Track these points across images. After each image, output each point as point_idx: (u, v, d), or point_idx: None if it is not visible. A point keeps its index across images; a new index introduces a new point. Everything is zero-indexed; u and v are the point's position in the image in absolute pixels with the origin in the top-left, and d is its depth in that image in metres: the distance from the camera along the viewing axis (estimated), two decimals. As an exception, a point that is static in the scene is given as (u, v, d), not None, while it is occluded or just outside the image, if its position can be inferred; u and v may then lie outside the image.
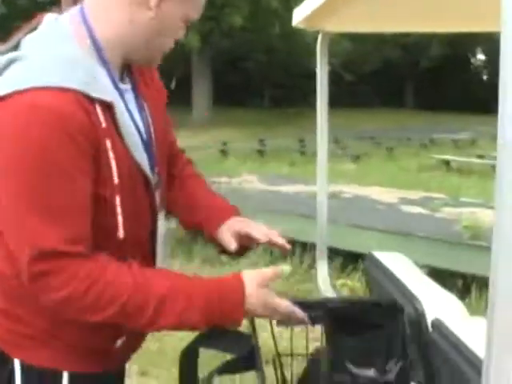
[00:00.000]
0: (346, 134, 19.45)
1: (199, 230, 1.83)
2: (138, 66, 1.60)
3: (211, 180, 8.83)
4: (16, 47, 1.39)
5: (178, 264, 6.18)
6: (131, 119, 1.50)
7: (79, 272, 1.33)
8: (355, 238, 5.49)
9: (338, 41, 27.52)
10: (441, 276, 3.99)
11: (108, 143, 1.37)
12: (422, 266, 2.42)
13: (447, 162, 14.98)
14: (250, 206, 6.37)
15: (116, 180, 1.39)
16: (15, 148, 1.29)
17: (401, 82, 44.88)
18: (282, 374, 1.69)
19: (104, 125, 1.37)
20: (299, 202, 6.63)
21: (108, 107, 1.39)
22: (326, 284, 2.19)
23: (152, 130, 1.58)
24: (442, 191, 9.00)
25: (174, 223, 6.13)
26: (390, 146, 18.02)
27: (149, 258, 1.63)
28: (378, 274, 1.87)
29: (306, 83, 42.72)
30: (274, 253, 5.63)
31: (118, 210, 1.41)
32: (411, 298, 1.57)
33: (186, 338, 4.07)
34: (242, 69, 38.37)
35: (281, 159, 15.32)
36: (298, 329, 1.64)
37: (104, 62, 1.45)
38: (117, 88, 1.48)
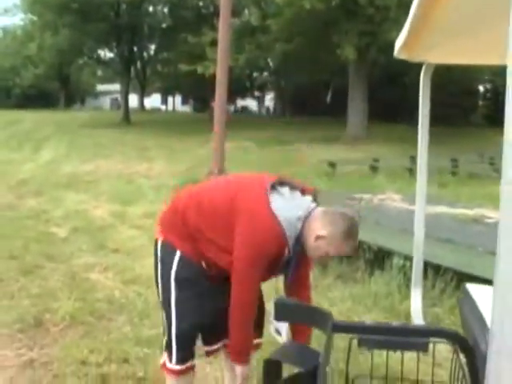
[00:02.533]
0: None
1: None
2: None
3: (354, 196, 8.90)
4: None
5: (311, 276, 6.31)
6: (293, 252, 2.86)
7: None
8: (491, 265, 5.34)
9: None
10: None
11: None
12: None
13: None
14: (386, 225, 6.39)
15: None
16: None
17: None
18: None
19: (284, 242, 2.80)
20: (437, 224, 6.56)
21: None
22: (417, 313, 2.23)
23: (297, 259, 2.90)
24: None
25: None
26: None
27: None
28: (466, 307, 1.91)
29: (466, 101, 41.62)
30: (408, 274, 5.62)
31: None
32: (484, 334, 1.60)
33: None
34: (398, 85, 37.96)
35: (431, 179, 14.97)
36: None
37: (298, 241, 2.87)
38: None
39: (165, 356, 3.10)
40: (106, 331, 4.78)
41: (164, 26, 42.07)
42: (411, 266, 5.70)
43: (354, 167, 17.37)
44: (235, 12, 25.54)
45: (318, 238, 2.79)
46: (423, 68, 2.29)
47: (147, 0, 39.03)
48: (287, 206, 2.82)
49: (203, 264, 2.95)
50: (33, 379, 4.00)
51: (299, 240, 2.85)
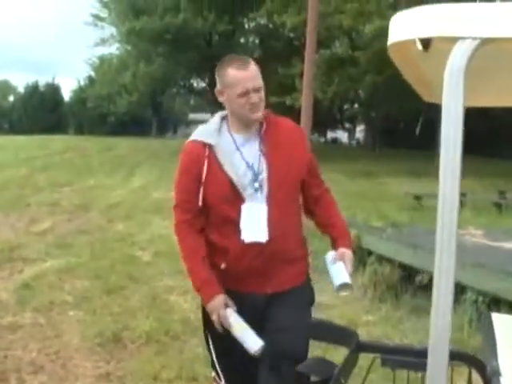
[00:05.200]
0: None
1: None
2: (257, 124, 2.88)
3: (433, 230, 8.85)
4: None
5: (384, 309, 6.38)
6: (241, 156, 2.80)
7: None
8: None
9: None
10: None
11: (205, 167, 2.76)
12: None
13: None
14: (461, 260, 6.38)
15: (203, 178, 2.76)
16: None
17: None
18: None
19: (206, 153, 2.78)
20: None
21: (211, 147, 2.79)
22: None
23: (265, 164, 2.80)
24: None
25: (387, 268, 6.34)
26: None
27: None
28: (486, 334, 2.00)
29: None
30: (480, 308, 5.61)
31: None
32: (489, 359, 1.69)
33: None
34: (492, 117, 37.12)
35: (479, 211, 14.73)
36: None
37: (228, 127, 2.89)
38: (232, 138, 2.85)
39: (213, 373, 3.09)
40: (179, 350, 5.00)
41: (255, 56, 42.76)
42: (484, 301, 5.74)
43: (441, 201, 17.08)
44: (325, 43, 25.83)
45: (220, 94, 2.85)
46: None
47: (239, 31, 39.84)
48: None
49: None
50: (107, 391, 4.26)
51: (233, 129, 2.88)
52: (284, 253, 2.83)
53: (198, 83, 48.25)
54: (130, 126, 58.76)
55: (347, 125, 60.58)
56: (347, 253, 2.87)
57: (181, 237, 2.89)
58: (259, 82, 2.80)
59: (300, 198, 3.02)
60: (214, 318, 2.76)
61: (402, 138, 42.11)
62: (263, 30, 40.39)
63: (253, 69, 2.79)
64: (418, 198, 16.61)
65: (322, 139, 59.56)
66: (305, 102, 13.36)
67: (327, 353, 4.61)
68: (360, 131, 60.02)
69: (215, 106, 42.67)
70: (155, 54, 37.00)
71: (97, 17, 41.74)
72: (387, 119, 42.53)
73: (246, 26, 41.51)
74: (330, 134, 63.72)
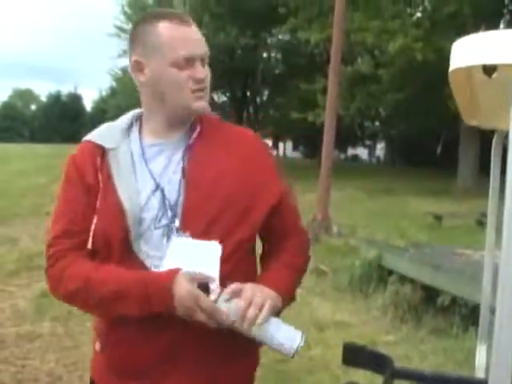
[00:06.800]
0: None
1: None
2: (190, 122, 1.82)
3: (457, 251, 8.76)
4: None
5: (405, 329, 6.30)
6: (150, 173, 1.74)
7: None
8: None
9: None
10: None
11: (99, 176, 1.74)
12: None
13: None
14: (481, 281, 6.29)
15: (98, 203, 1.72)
16: None
17: None
18: None
19: (98, 163, 1.75)
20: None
21: (105, 152, 1.77)
22: (481, 367, 2.23)
23: (183, 181, 1.72)
24: None
25: (408, 289, 6.28)
26: None
27: None
28: None
29: None
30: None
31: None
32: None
33: None
34: None
35: None
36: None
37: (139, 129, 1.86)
38: (141, 145, 1.79)
39: None
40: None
41: (278, 71, 42.83)
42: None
43: (461, 221, 16.97)
44: (348, 60, 25.79)
45: (138, 69, 1.88)
46: (495, 137, 2.30)
47: (261, 46, 39.94)
48: None
49: None
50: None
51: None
52: (205, 339, 1.69)
53: (219, 97, 48.41)
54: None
55: (368, 142, 60.51)
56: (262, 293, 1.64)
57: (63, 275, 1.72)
58: (207, 50, 1.78)
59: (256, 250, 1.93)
60: (200, 316, 1.57)
61: (422, 156, 41.91)
62: (286, 45, 40.49)
63: (197, 29, 1.78)
64: (438, 217, 16.49)
65: (343, 156, 59.49)
66: (328, 120, 13.35)
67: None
68: (381, 149, 59.95)
69: (234, 119, 42.95)
70: (176, 67, 37.21)
71: (120, 28, 42.11)
72: (407, 137, 42.44)
73: (269, 41, 41.63)
74: (350, 151, 63.66)
